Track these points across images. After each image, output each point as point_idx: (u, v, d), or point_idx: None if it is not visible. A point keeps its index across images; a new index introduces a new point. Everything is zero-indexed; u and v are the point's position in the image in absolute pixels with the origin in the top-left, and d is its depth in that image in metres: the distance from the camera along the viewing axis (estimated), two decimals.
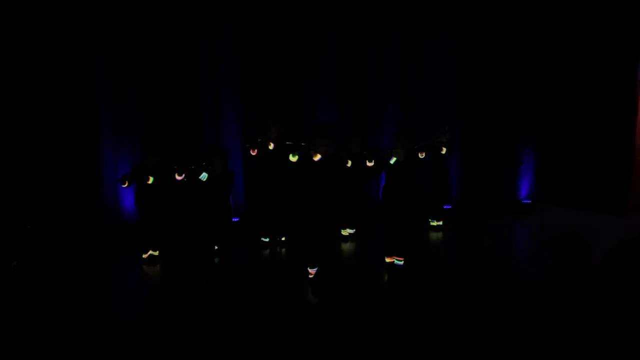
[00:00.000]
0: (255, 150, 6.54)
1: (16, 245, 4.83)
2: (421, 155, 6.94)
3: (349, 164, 6.72)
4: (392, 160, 5.72)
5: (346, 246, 7.00)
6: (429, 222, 7.77)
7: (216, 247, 6.03)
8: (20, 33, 6.30)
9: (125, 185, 6.12)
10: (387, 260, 6.08)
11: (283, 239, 6.99)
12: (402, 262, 5.98)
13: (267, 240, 7.00)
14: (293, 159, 5.48)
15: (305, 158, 5.47)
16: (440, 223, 7.74)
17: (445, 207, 7.95)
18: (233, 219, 7.21)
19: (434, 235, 7.55)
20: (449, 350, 2.74)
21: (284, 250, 6.85)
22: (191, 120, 7.27)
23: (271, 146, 6.50)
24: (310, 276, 5.64)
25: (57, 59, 6.50)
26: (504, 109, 8.77)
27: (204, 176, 5.32)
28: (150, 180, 6.07)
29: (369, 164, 6.25)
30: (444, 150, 7.38)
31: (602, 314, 2.89)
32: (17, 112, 6.41)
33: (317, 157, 5.38)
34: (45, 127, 6.56)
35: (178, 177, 5.64)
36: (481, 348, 2.74)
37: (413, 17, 8.08)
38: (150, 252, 6.44)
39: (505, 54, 8.55)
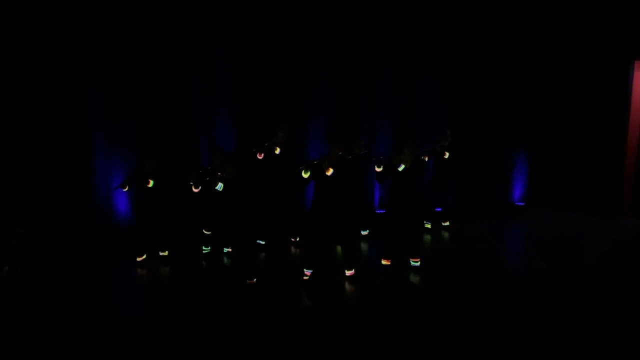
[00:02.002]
0: (262, 155, 6.58)
1: (8, 250, 4.79)
2: (425, 159, 7.03)
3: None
4: (401, 168, 5.78)
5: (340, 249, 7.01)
6: (424, 224, 7.80)
7: (229, 249, 6.08)
8: (15, 39, 6.27)
9: (126, 189, 6.17)
10: (384, 262, 6.10)
11: (298, 239, 7.02)
12: (418, 263, 6.06)
13: (263, 243, 7.00)
14: (305, 175, 5.52)
15: (318, 174, 5.52)
16: (447, 224, 7.84)
17: (437, 209, 8.00)
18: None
19: (428, 238, 7.57)
20: (444, 353, 2.75)
21: (299, 250, 6.88)
22: (185, 124, 7.26)
23: (277, 150, 6.54)
24: (305, 278, 5.66)
25: (50, 65, 6.47)
26: (497, 113, 8.82)
27: (220, 186, 5.37)
28: (151, 183, 6.13)
29: (377, 169, 6.31)
30: (446, 155, 7.44)
31: (595, 316, 2.91)
32: (10, 117, 6.38)
33: (330, 172, 5.42)
34: (39, 132, 6.52)
35: (195, 190, 5.71)
36: (476, 351, 2.75)
37: (407, 21, 8.11)
38: (160, 252, 6.50)
39: (498, 58, 8.60)
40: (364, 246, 7.16)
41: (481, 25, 8.43)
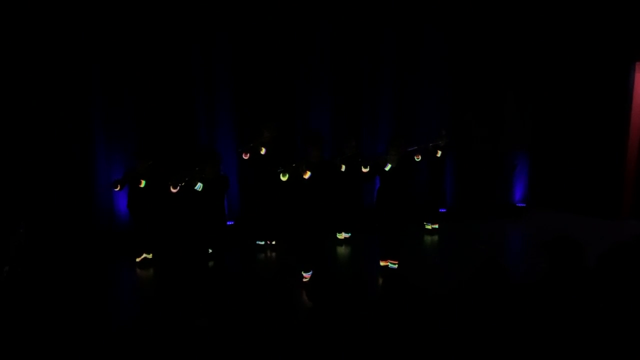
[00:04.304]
0: (248, 155, 6.57)
1: (8, 250, 4.80)
2: (417, 159, 6.98)
3: (343, 168, 6.75)
4: (388, 167, 5.74)
5: (341, 250, 7.00)
6: (424, 225, 7.79)
7: (210, 251, 6.00)
8: (17, 41, 6.28)
9: (118, 188, 6.12)
10: (382, 263, 6.08)
11: (274, 242, 6.99)
12: (396, 266, 5.98)
13: (263, 243, 7.00)
14: (283, 178, 5.51)
15: (296, 177, 5.50)
16: (436, 226, 7.77)
17: (440, 210, 7.96)
18: (228, 223, 7.21)
19: (429, 239, 7.56)
20: (444, 353, 2.74)
21: (274, 254, 6.84)
22: (185, 125, 7.26)
23: (263, 151, 6.53)
24: (305, 280, 5.64)
25: (51, 66, 6.48)
26: (497, 113, 8.81)
27: (199, 186, 5.32)
28: (143, 183, 6.09)
29: (364, 169, 6.27)
30: (439, 154, 7.41)
31: (596, 317, 2.90)
32: (11, 118, 6.38)
33: (307, 175, 5.40)
34: (40, 132, 6.53)
35: (173, 190, 5.60)
36: (476, 351, 2.74)
37: (407, 21, 8.11)
38: (144, 255, 6.42)
39: (498, 58, 8.60)
40: (362, 247, 7.11)
41: (482, 26, 8.42)
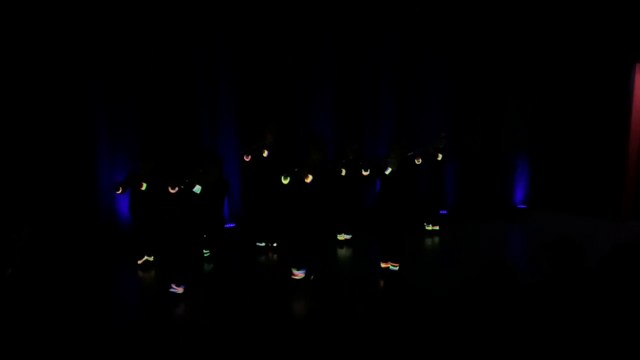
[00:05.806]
0: (250, 157, 6.60)
1: (12, 252, 4.81)
2: (417, 161, 6.99)
3: (343, 172, 6.75)
4: (388, 171, 5.74)
5: (342, 251, 7.01)
6: (425, 227, 7.80)
7: (207, 253, 6.02)
8: (20, 44, 6.30)
9: (119, 191, 6.13)
10: (383, 265, 6.09)
11: (275, 244, 7.00)
12: (397, 268, 6.00)
13: (263, 245, 7.01)
14: (285, 181, 5.51)
15: (297, 180, 5.50)
16: (437, 228, 7.79)
17: (441, 212, 7.97)
18: (229, 225, 7.23)
19: (430, 240, 7.57)
20: (447, 354, 2.76)
21: (276, 256, 6.85)
22: (187, 127, 7.27)
23: (265, 153, 6.56)
24: (295, 277, 5.64)
25: (54, 68, 6.49)
26: (498, 115, 8.83)
27: (197, 189, 5.31)
28: (144, 186, 6.10)
29: (364, 173, 6.27)
30: (439, 157, 7.43)
31: (596, 317, 2.91)
32: (14, 120, 6.40)
33: (309, 179, 5.40)
34: (42, 134, 6.55)
35: (171, 191, 5.59)
36: (479, 351, 2.76)
37: (408, 24, 8.13)
38: (146, 257, 6.43)
39: (499, 60, 8.62)
40: (363, 249, 7.12)
41: (483, 28, 8.44)
